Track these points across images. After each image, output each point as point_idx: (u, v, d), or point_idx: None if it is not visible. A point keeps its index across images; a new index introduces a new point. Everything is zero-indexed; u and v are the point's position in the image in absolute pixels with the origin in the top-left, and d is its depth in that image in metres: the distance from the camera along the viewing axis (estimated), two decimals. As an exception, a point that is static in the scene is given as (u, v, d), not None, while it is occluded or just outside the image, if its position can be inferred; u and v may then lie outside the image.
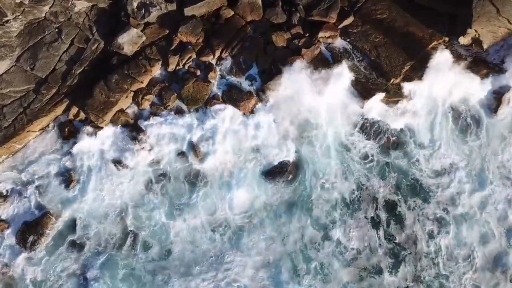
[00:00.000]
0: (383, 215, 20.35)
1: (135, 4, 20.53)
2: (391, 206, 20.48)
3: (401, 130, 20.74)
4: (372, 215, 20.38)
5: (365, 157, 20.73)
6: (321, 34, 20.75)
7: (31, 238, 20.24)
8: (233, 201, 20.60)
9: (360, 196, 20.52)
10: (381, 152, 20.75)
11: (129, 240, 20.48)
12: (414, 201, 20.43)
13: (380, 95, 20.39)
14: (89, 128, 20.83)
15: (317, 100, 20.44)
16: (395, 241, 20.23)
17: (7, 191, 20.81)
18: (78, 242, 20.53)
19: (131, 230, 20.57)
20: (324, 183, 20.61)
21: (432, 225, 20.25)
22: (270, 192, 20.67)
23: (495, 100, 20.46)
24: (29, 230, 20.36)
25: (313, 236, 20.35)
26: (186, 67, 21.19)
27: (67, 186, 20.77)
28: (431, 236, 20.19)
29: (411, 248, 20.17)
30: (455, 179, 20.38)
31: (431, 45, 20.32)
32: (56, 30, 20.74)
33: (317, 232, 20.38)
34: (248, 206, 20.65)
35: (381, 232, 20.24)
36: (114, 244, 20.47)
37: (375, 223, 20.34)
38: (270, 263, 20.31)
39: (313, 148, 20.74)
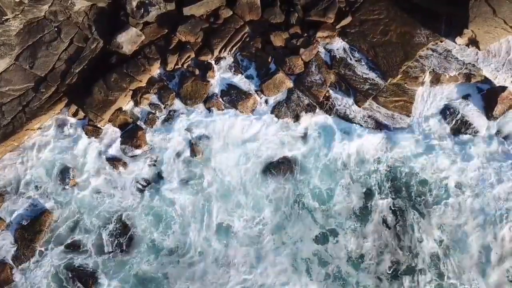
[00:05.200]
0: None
1: (134, 4, 20.63)
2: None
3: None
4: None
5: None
6: (319, 34, 20.87)
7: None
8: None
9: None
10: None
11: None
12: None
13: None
14: None
15: None
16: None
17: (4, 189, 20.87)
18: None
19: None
20: None
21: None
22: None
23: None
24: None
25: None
26: (185, 67, 21.29)
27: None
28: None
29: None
30: None
31: (428, 45, 20.49)
32: (56, 29, 20.82)
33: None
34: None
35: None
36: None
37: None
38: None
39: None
